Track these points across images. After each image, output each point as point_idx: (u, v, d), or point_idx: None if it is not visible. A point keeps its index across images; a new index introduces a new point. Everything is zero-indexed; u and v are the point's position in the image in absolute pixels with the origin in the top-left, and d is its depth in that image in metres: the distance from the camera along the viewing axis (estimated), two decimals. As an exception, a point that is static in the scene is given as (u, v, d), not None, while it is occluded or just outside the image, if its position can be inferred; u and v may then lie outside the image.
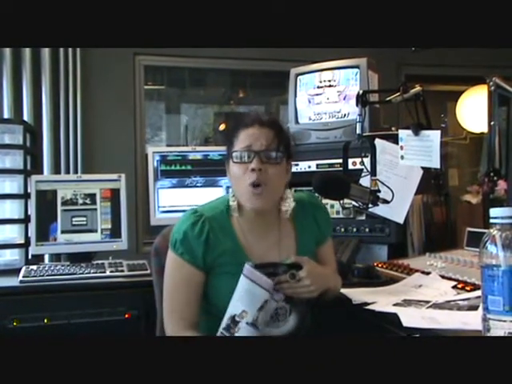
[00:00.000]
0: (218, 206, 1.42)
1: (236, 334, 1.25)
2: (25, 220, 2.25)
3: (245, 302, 1.25)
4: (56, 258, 2.54)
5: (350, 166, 1.86)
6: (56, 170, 2.72)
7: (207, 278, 1.37)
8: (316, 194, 1.72)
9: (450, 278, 1.55)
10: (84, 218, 2.24)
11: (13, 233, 2.30)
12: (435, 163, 1.79)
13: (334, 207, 2.09)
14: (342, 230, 2.06)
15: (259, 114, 1.40)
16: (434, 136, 1.79)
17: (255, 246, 1.39)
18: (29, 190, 2.24)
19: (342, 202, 1.82)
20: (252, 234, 1.40)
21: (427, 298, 1.42)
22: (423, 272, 1.64)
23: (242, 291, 1.26)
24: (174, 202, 2.41)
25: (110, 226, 2.26)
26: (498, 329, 0.94)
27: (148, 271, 1.99)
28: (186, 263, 1.35)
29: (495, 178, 2.01)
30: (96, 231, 2.25)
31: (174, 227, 1.40)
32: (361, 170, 1.81)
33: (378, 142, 1.88)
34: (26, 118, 2.68)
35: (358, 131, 1.78)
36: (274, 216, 1.42)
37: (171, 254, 1.39)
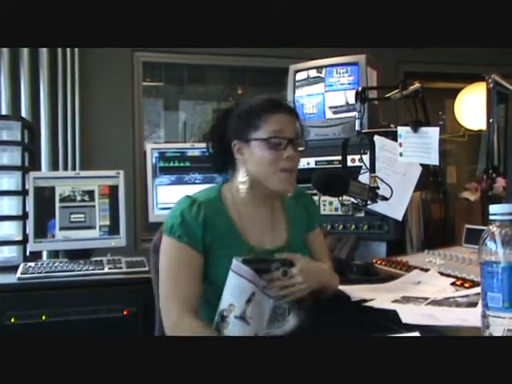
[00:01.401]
0: (210, 193, 1.43)
1: (226, 331, 1.24)
2: (23, 217, 2.25)
3: (232, 296, 1.25)
4: (54, 254, 2.54)
5: (349, 163, 1.86)
6: (54, 166, 2.71)
7: (206, 261, 1.35)
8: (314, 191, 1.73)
9: (448, 275, 1.55)
10: (82, 215, 2.24)
11: (11, 230, 2.29)
12: (434, 160, 1.79)
13: (332, 204, 2.09)
14: (341, 227, 2.06)
15: (282, 100, 1.41)
16: (432, 133, 1.79)
17: (250, 230, 1.39)
18: (27, 187, 2.23)
19: (340, 198, 1.82)
20: (246, 219, 1.40)
21: (426, 295, 1.42)
22: (422, 269, 1.64)
23: (229, 286, 1.26)
24: (173, 198, 2.39)
25: (108, 223, 2.26)
26: (498, 325, 0.94)
27: (146, 268, 1.99)
28: (185, 246, 1.33)
29: (494, 176, 2.02)
30: (94, 228, 2.24)
31: (169, 213, 1.39)
32: (360, 167, 1.81)
33: (376, 138, 1.88)
34: (23, 114, 2.66)
35: (357, 128, 1.78)
36: (268, 202, 1.44)
37: (168, 239, 1.36)
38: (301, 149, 1.38)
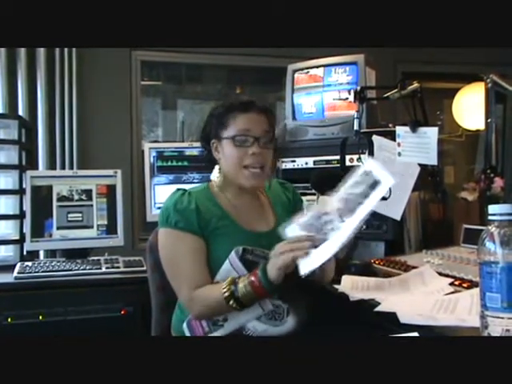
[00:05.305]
0: (199, 186, 1.50)
1: None
2: (20, 216, 2.24)
3: (220, 276, 1.33)
4: (51, 254, 2.53)
5: (348, 163, 1.86)
6: (51, 165, 2.70)
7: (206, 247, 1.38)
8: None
9: (446, 275, 1.55)
10: (80, 214, 2.23)
11: (8, 229, 2.29)
12: (433, 160, 1.79)
13: (330, 204, 2.08)
14: (339, 226, 2.05)
15: (254, 101, 1.44)
16: (431, 133, 1.79)
17: (240, 215, 1.44)
18: (24, 186, 2.23)
19: (339, 198, 1.81)
20: (235, 206, 1.45)
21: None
22: (420, 269, 1.64)
23: (222, 268, 1.33)
24: (171, 198, 2.40)
25: (105, 222, 2.25)
26: (496, 326, 0.93)
27: (144, 268, 1.98)
28: (182, 232, 1.36)
29: (492, 175, 2.02)
30: (92, 227, 2.24)
31: (162, 207, 1.43)
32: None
33: (375, 138, 1.87)
34: (21, 112, 2.65)
35: (356, 128, 1.78)
36: (251, 192, 1.49)
37: (164, 230, 1.40)
38: (270, 147, 1.43)
